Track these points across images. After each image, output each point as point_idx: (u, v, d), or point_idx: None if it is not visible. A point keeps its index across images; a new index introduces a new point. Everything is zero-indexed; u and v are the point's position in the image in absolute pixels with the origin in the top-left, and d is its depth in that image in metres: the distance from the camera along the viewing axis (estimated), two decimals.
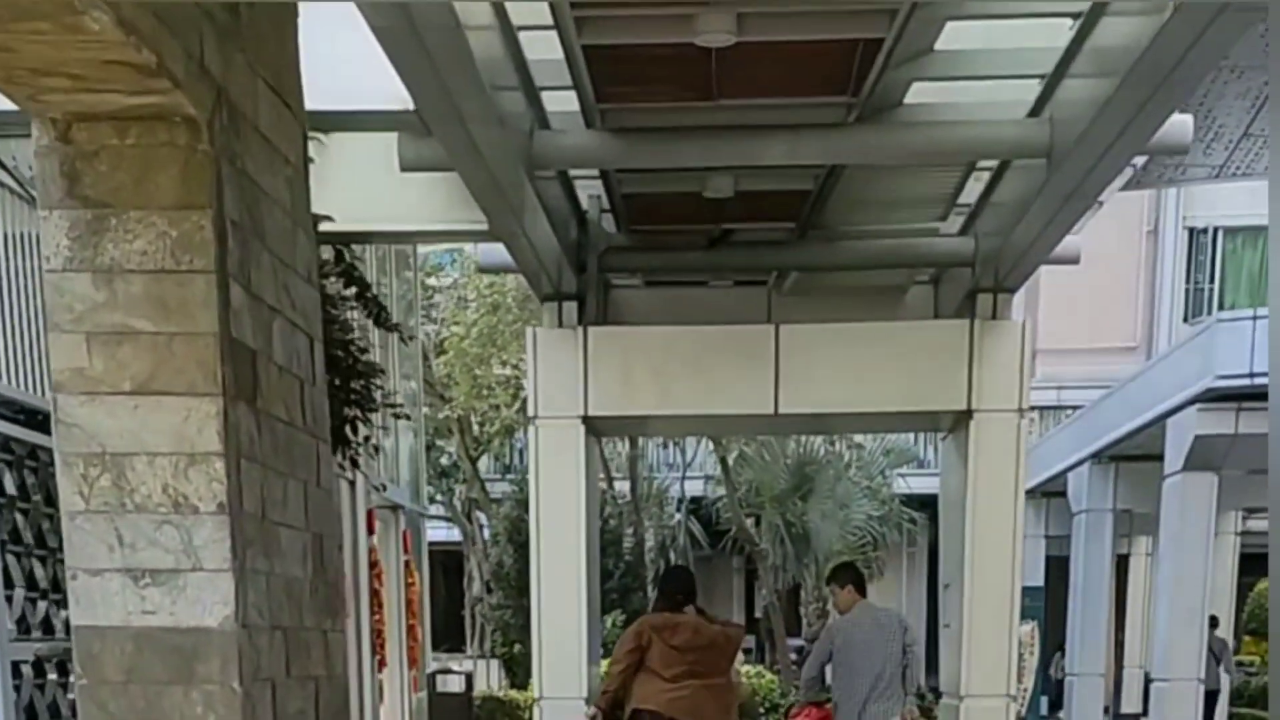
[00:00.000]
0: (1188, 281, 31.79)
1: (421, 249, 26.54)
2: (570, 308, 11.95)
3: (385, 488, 14.85)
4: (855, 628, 11.60)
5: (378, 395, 12.09)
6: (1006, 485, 11.69)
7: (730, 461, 26.99)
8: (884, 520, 27.40)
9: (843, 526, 26.25)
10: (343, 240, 10.62)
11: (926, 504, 26.88)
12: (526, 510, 24.42)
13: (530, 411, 11.89)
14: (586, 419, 11.85)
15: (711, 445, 27.26)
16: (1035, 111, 9.31)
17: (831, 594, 12.03)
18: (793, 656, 26.52)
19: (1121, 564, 28.09)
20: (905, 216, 11.53)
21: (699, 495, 30.36)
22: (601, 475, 26.49)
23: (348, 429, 11.92)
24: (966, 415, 11.76)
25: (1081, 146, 8.89)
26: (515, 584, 24.05)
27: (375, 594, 15.57)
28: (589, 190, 11.59)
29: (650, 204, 11.32)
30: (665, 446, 31.74)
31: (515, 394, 25.12)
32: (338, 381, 11.67)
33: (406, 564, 17.61)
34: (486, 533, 28.16)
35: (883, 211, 11.41)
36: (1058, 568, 27.87)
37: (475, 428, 27.03)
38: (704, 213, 11.31)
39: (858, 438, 26.97)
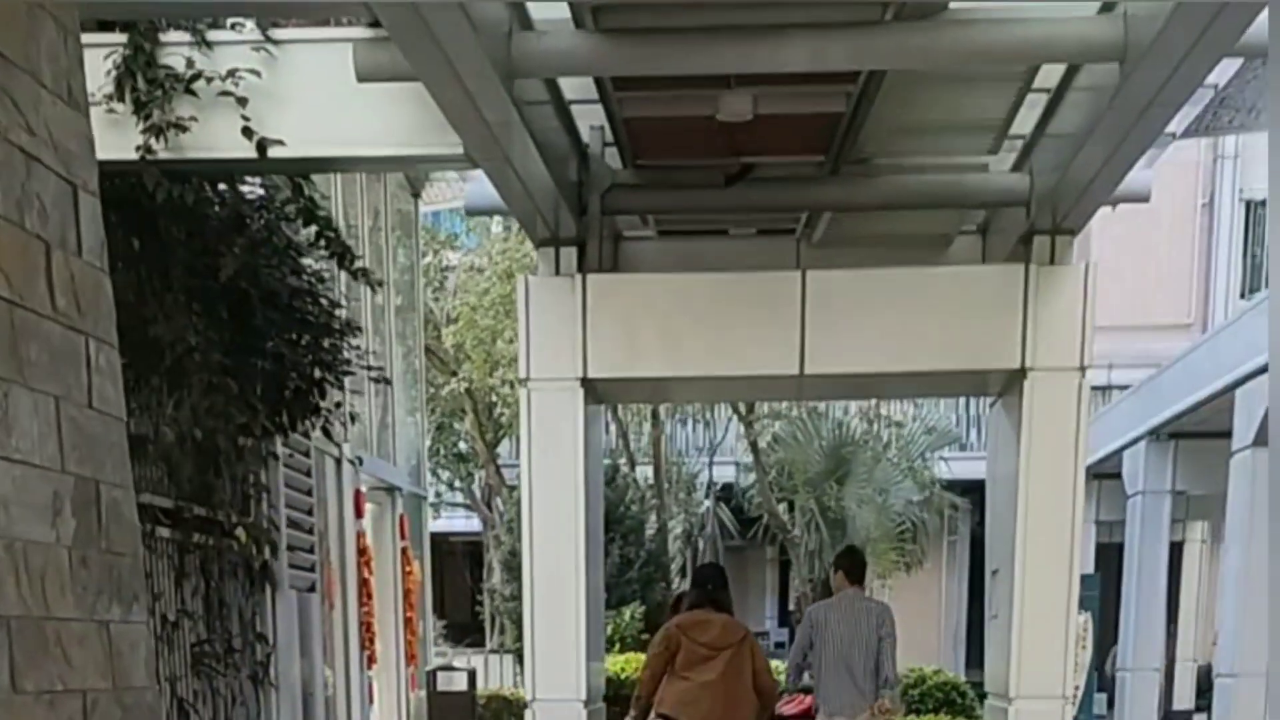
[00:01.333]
0: (1245, 255, 30.16)
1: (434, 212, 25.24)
2: (569, 254, 10.51)
3: (360, 461, 13.40)
4: (831, 612, 11.21)
5: (351, 356, 10.71)
6: (1065, 455, 10.18)
7: (761, 444, 25.64)
8: (924, 505, 25.87)
9: (881, 512, 24.75)
10: (298, 169, 9.22)
11: (969, 490, 25.47)
12: None
13: (521, 373, 10.44)
14: (585, 381, 10.40)
15: (742, 427, 25.83)
16: (1108, 7, 7.84)
17: (831, 576, 11.65)
18: None
19: (1174, 551, 26.53)
20: (952, 146, 10.04)
21: (730, 482, 28.87)
22: (623, 458, 25.11)
23: (315, 392, 10.55)
24: (1020, 375, 10.26)
25: (1159, 46, 7.43)
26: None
27: (364, 583, 14.15)
28: (590, 120, 10.17)
29: (658, 133, 9.86)
30: (691, 427, 30.28)
31: None
32: (301, 338, 10.28)
33: (403, 551, 16.20)
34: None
35: (926, 140, 9.91)
36: (1107, 555, 26.35)
37: (493, 408, 25.60)
38: (720, 143, 9.87)
39: (896, 415, 25.54)
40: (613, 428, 25.70)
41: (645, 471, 27.27)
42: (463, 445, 28.63)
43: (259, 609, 11.49)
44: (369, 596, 14.28)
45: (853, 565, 11.41)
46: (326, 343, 10.49)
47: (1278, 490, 5.69)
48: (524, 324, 10.38)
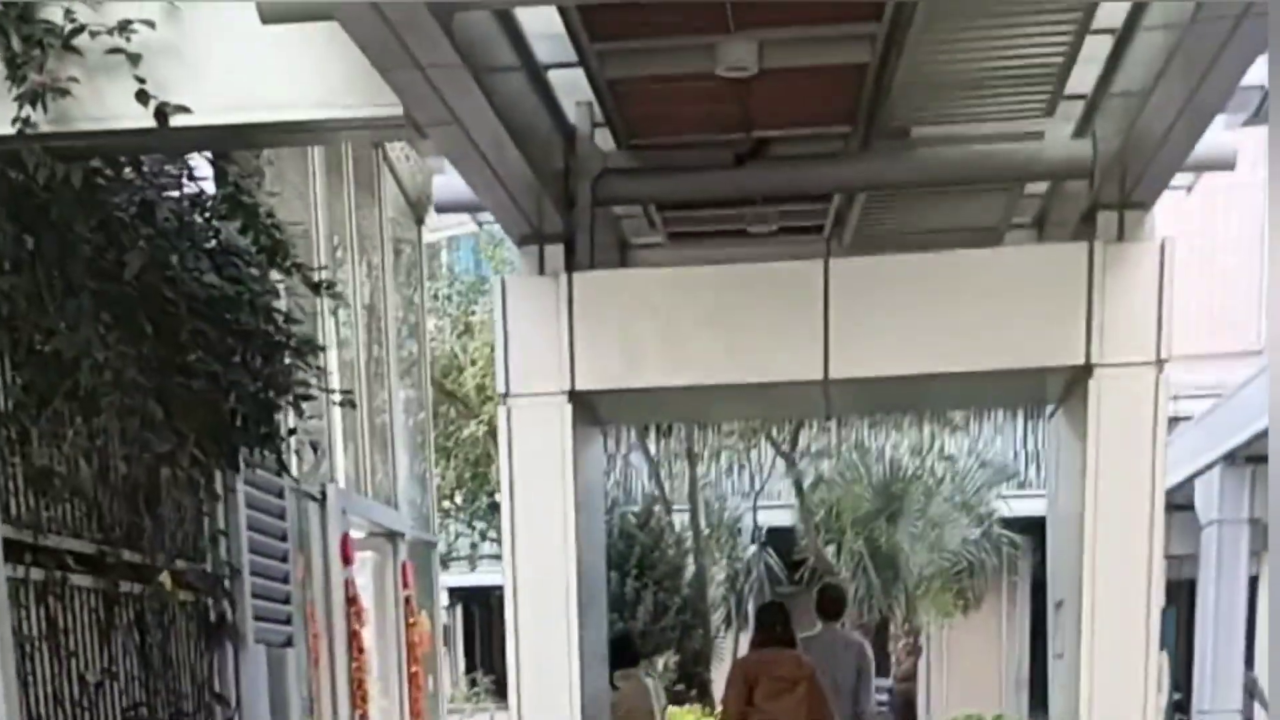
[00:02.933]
0: None
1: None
2: (555, 252, 9.06)
3: (323, 496, 11.98)
4: (811, 645, 11.77)
5: (312, 379, 9.33)
6: (1141, 463, 8.63)
7: (805, 485, 24.29)
8: (981, 543, 24.40)
9: (934, 550, 23.36)
10: (213, 143, 7.83)
11: (1029, 529, 24.15)
12: None
13: (500, 387, 8.97)
14: (574, 395, 8.91)
15: (784, 465, 24.49)
16: None
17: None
18: (880, 699, 23.61)
19: (1251, 585, 24.91)
20: (1000, 106, 8.54)
21: (781, 526, 27.43)
22: (659, 503, 23.67)
23: (263, 418, 9.16)
24: (1085, 373, 8.72)
25: None
26: None
27: (355, 636, 12.70)
28: (576, 98, 8.78)
29: (652, 101, 8.43)
30: (736, 471, 28.86)
31: None
32: (246, 356, 8.89)
33: (406, 601, 14.74)
34: None
35: (969, 99, 8.42)
36: (1175, 594, 24.75)
37: None
38: (727, 114, 8.47)
39: (949, 447, 24.17)
40: (643, 467, 24.40)
41: (685, 517, 25.79)
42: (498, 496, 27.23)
43: (219, 667, 10.10)
44: (360, 651, 12.83)
45: (828, 602, 12.41)
46: (279, 361, 9.10)
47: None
48: (502, 331, 8.93)
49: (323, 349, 9.42)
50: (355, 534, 13.91)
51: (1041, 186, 9.90)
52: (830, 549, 24.92)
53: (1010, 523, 25.66)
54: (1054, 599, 9.88)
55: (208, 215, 8.26)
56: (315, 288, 9.56)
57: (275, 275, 9.11)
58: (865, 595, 24.12)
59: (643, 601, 20.48)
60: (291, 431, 9.53)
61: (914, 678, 25.63)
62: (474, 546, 27.31)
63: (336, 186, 13.80)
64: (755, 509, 27.48)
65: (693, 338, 8.82)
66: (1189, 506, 22.41)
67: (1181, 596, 23.83)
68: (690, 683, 20.77)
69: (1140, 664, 8.92)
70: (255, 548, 10.66)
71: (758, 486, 27.86)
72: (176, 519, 9.26)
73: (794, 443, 23.79)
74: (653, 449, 24.95)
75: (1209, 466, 21.28)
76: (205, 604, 9.93)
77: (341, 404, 10.70)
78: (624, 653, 12.76)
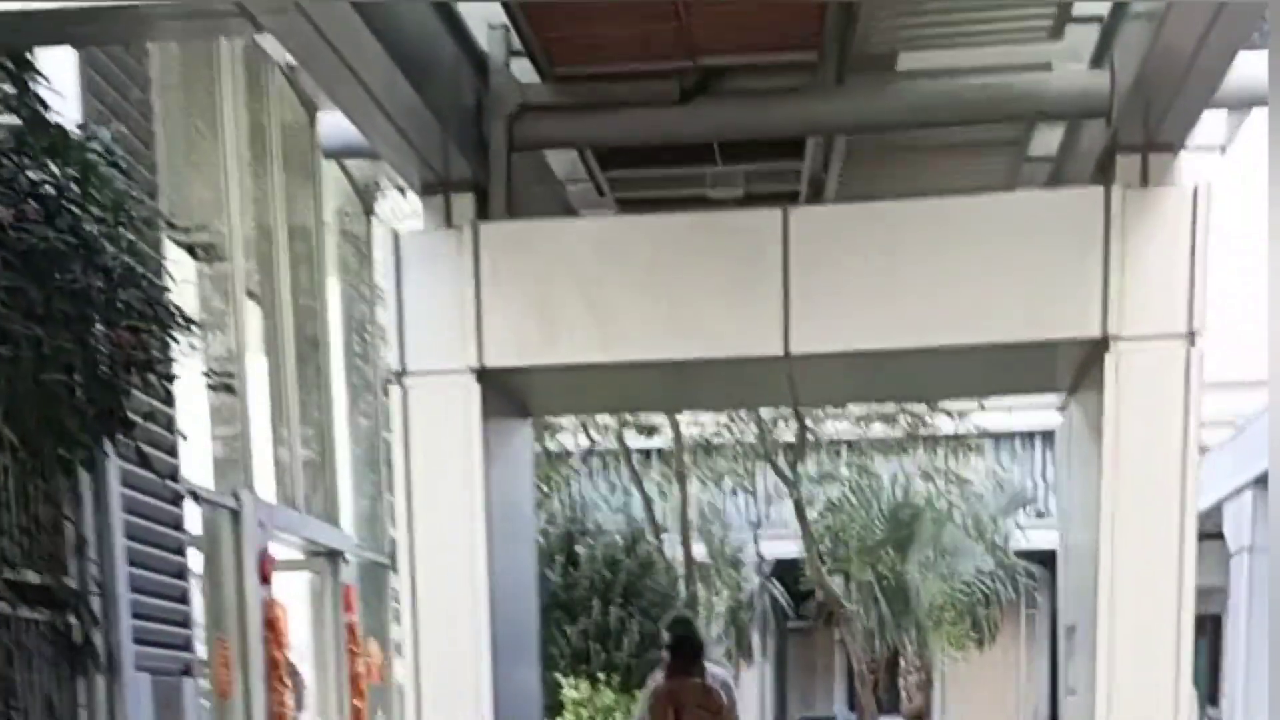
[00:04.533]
0: None
1: None
2: (464, 203, 7.56)
3: (201, 497, 10.48)
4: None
5: (176, 354, 7.79)
6: (1168, 457, 7.08)
7: (813, 512, 22.85)
8: (997, 574, 22.90)
9: (947, 580, 21.87)
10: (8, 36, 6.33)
11: (1047, 561, 22.62)
12: (548, 561, 20.36)
13: (394, 363, 7.47)
14: (483, 374, 7.39)
15: (784, 487, 22.98)
16: None
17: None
18: None
19: None
20: (995, 25, 7.07)
21: (790, 557, 25.85)
22: (650, 527, 22.10)
23: (109, 400, 7.63)
24: (1100, 348, 7.18)
25: None
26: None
27: (274, 665, 11.18)
28: (490, 18, 7.33)
29: (577, 22, 6.98)
30: (744, 499, 27.33)
31: None
32: (87, 323, 7.36)
33: (349, 628, 13.21)
34: None
35: (956, 15, 6.95)
36: (1199, 628, 23.15)
37: None
38: (666, 38, 7.02)
39: (964, 470, 22.72)
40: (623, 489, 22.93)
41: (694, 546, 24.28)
42: None
43: (88, 698, 8.58)
44: (281, 681, 11.29)
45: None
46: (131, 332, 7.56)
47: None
48: (395, 296, 7.44)
49: (194, 323, 7.87)
50: (289, 552, 12.45)
51: (1053, 145, 8.40)
52: (838, 579, 23.41)
53: (1028, 554, 24.16)
54: (1065, 625, 8.33)
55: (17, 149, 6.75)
56: (191, 250, 8.10)
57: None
58: (874, 628, 22.69)
59: (628, 631, 18.88)
60: (148, 415, 7.98)
61: (925, 715, 24.39)
62: None
63: (260, 171, 12.35)
64: (757, 538, 25.99)
65: (625, 304, 7.32)
66: (1216, 535, 20.88)
67: (1209, 631, 22.31)
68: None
69: (1168, 700, 7.38)
70: (137, 560, 9.16)
71: (761, 513, 26.39)
72: (16, 523, 7.76)
73: (795, 461, 22.27)
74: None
75: (1239, 491, 19.72)
76: (67, 624, 8.43)
77: (215, 388, 9.18)
78: None
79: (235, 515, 11.03)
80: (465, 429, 7.33)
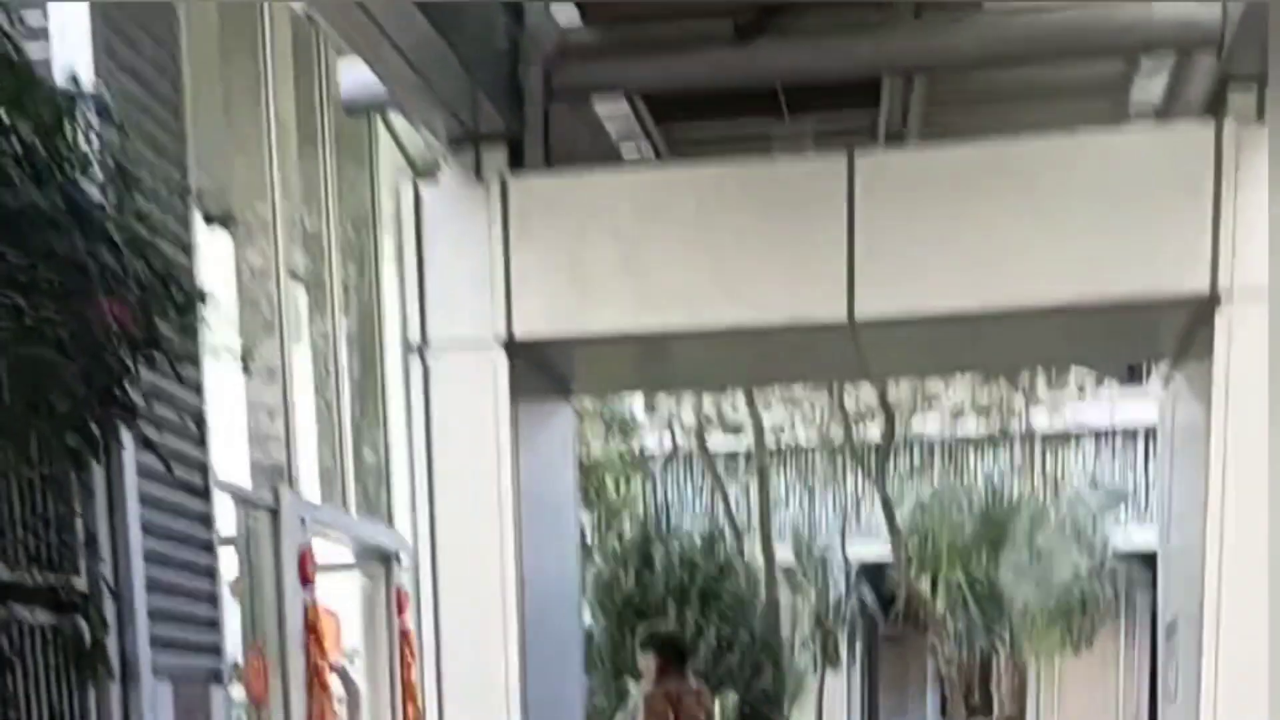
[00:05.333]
0: None
1: None
2: (494, 157, 6.79)
3: (236, 494, 9.80)
4: None
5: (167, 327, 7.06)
6: None
7: (902, 513, 22.09)
8: (1095, 576, 21.92)
9: (1041, 582, 20.90)
10: None
11: (1147, 561, 21.59)
12: (621, 564, 19.63)
13: (412, 334, 6.72)
14: (512, 345, 6.62)
15: (873, 489, 22.16)
16: None
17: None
18: None
19: None
20: None
21: (881, 561, 24.95)
22: (729, 527, 21.28)
23: (108, 381, 6.93)
24: (1209, 307, 6.30)
25: None
26: (604, 659, 18.79)
27: (316, 671, 10.50)
28: None
29: None
30: (833, 499, 26.41)
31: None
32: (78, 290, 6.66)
33: (404, 636, 12.48)
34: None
35: None
36: None
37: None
38: None
39: (1061, 468, 21.77)
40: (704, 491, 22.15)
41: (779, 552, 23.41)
42: None
43: (99, 708, 7.89)
44: (325, 689, 10.60)
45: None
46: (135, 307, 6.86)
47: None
48: (415, 258, 6.68)
49: (202, 298, 7.16)
50: (339, 554, 11.78)
51: (1158, 90, 7.51)
52: (927, 582, 22.52)
53: (1128, 555, 23.12)
54: (1165, 623, 7.44)
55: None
56: (208, 217, 7.44)
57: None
58: (965, 632, 21.77)
59: (705, 637, 18.10)
60: (149, 398, 7.26)
61: None
62: None
63: (309, 147, 11.67)
64: (844, 540, 25.05)
65: (670, 265, 6.52)
66: None
67: None
68: None
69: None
70: (158, 559, 8.46)
71: (849, 515, 25.47)
72: (17, 519, 7.07)
73: (884, 464, 21.40)
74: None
75: None
76: (75, 628, 7.74)
77: (246, 370, 8.48)
78: None
79: (274, 514, 10.35)
80: (493, 409, 6.57)
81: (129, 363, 6.86)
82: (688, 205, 6.51)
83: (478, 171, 6.74)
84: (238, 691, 9.90)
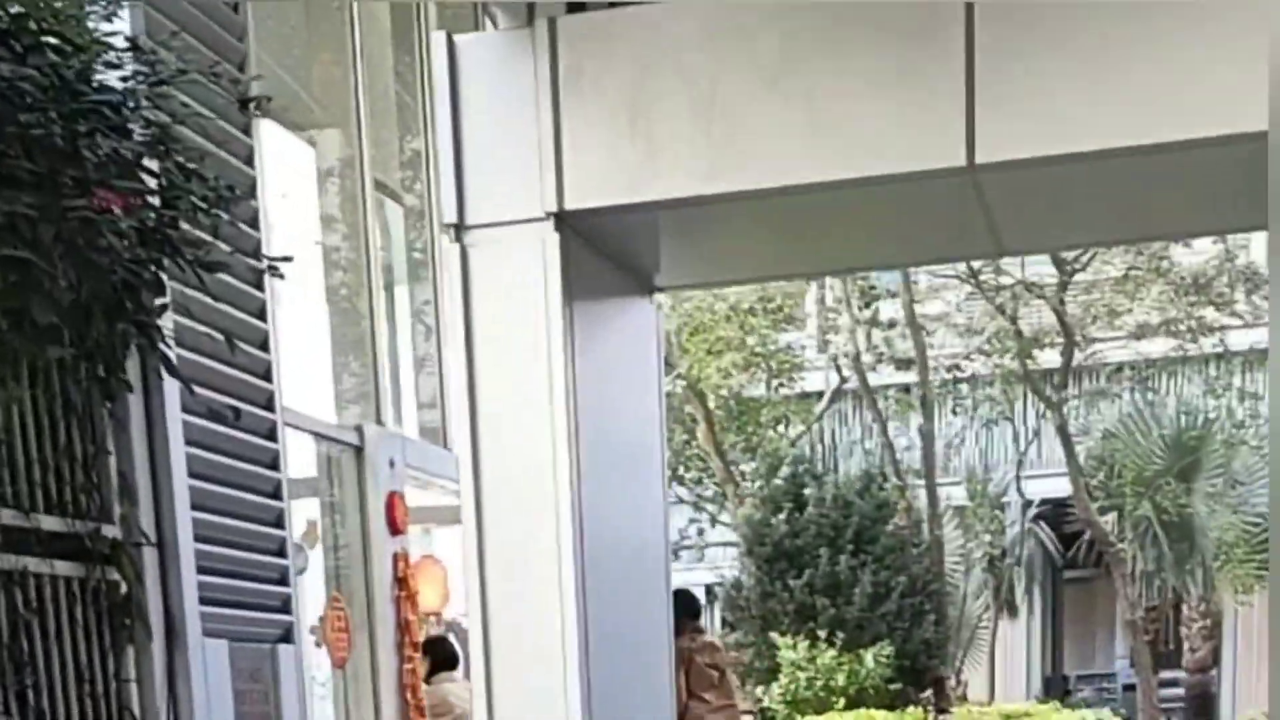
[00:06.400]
0: None
1: None
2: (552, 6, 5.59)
3: (317, 433, 8.78)
4: None
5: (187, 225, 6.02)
6: None
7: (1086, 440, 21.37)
8: None
9: (1238, 513, 19.49)
10: None
11: None
12: (771, 507, 18.40)
13: (446, 215, 5.56)
14: (563, 218, 5.42)
15: (1047, 412, 20.85)
16: None
17: None
18: (1174, 692, 20.22)
19: None
20: None
21: (1062, 497, 23.54)
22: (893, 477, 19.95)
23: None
24: None
25: None
26: (753, 609, 17.61)
27: (406, 629, 9.48)
28: None
29: None
30: (1011, 434, 24.99)
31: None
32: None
33: None
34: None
35: None
36: None
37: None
38: None
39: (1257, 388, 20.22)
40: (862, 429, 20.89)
41: (950, 491, 22.49)
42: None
43: (141, 668, 6.88)
44: (415, 649, 9.57)
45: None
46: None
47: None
48: (450, 123, 5.50)
49: (232, 190, 6.07)
50: (447, 500, 10.75)
51: None
52: (1111, 517, 21.13)
53: None
54: None
55: None
56: (244, 104, 6.48)
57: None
58: (1154, 571, 20.27)
59: (860, 582, 16.83)
60: (164, 308, 6.19)
61: (1211, 667, 21.79)
62: (701, 532, 23.75)
63: (404, 49, 10.69)
64: (1019, 475, 23.65)
65: (753, 111, 5.26)
66: None
67: None
68: (917, 680, 16.98)
69: None
70: (210, 505, 7.42)
71: (1022, 447, 24.06)
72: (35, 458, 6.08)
73: (1064, 379, 20.05)
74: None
75: None
76: (107, 581, 6.73)
77: (271, 273, 7.37)
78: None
79: (359, 452, 9.33)
80: (542, 300, 5.39)
81: (141, 270, 5.82)
82: (771, 38, 5.26)
83: (530, 14, 5.54)
84: (318, 653, 8.94)
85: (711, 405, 20.18)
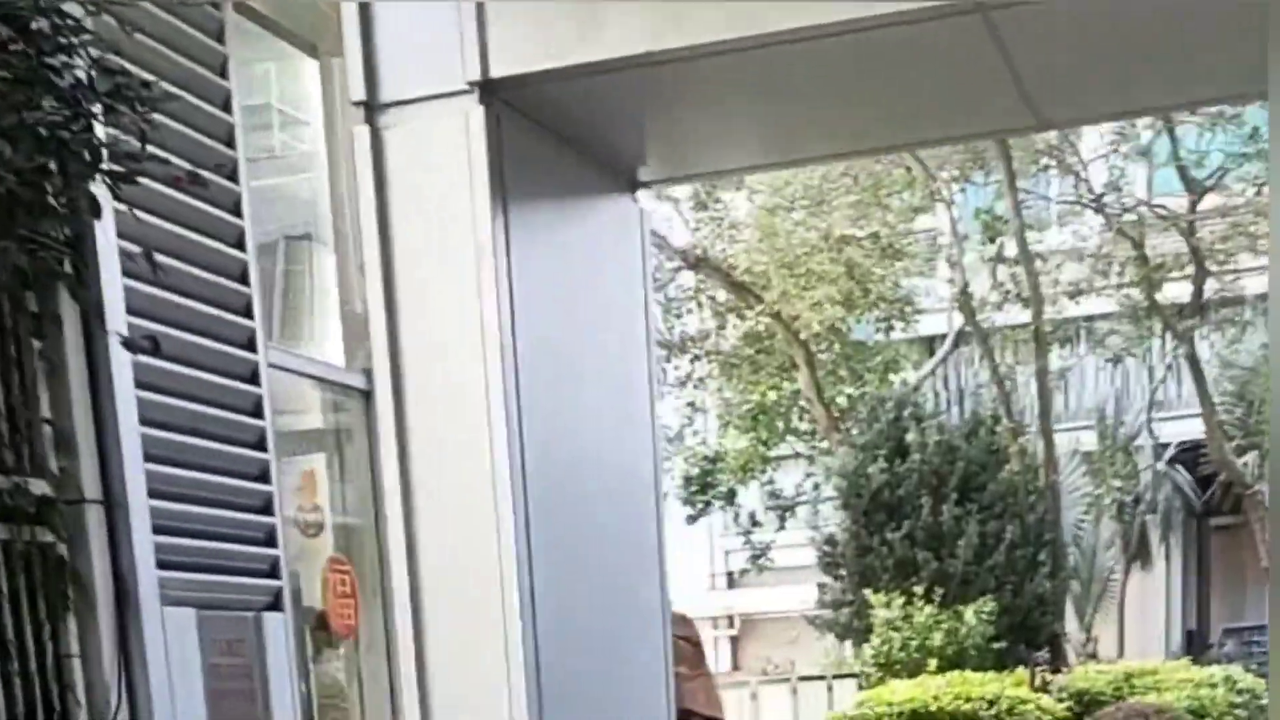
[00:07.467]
0: None
1: None
2: None
3: (316, 375, 7.85)
4: None
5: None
6: None
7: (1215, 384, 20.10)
8: None
9: None
10: None
11: None
12: (870, 454, 17.23)
13: (352, 92, 4.56)
14: (488, 87, 4.39)
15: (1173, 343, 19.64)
16: None
17: None
18: None
19: None
20: None
21: (1198, 438, 22.19)
22: (1005, 420, 18.70)
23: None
24: None
25: None
26: (850, 565, 16.46)
27: None
28: None
29: None
30: (1141, 373, 23.74)
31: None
32: None
33: None
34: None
35: None
36: None
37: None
38: None
39: None
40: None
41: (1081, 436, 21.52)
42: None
43: (84, 638, 6.03)
44: None
45: None
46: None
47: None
48: None
49: (148, 86, 5.12)
50: None
51: None
52: (1249, 458, 19.97)
53: None
54: None
55: None
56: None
57: None
58: None
59: (965, 533, 15.68)
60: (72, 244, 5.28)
61: None
62: (817, 487, 22.62)
63: None
64: (1150, 418, 22.38)
65: None
66: None
67: None
68: (1030, 638, 15.74)
69: None
70: (171, 456, 6.53)
71: (1158, 386, 22.81)
72: None
73: (1195, 315, 18.82)
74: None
75: None
76: (45, 545, 5.87)
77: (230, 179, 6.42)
78: None
79: (367, 398, 8.39)
80: (467, 193, 4.36)
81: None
82: None
83: None
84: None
85: (813, 349, 19.11)
